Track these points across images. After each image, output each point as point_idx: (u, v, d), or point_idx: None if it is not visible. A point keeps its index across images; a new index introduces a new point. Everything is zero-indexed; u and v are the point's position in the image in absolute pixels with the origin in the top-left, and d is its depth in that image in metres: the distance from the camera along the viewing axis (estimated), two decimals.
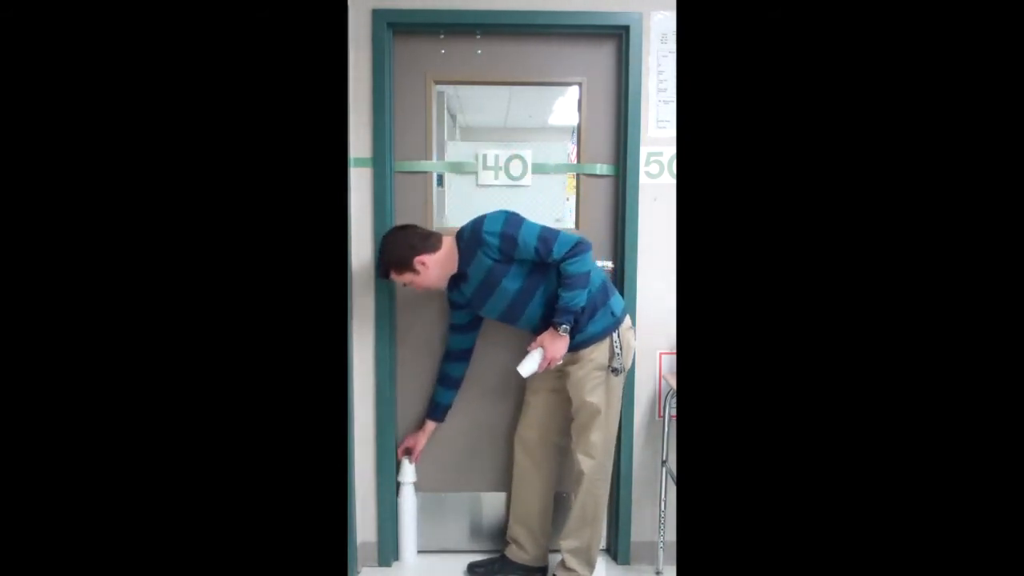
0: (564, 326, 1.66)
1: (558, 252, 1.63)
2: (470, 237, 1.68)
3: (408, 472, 2.00)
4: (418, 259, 1.69)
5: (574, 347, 1.73)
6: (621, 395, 1.81)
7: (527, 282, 1.69)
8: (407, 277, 1.72)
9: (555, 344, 1.68)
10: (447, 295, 1.86)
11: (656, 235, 1.94)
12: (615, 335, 1.73)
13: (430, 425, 1.98)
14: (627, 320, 1.79)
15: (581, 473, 1.78)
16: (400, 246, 1.70)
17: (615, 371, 1.73)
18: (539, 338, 1.70)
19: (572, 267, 1.64)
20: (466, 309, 1.85)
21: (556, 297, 1.67)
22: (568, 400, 1.83)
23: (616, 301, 1.77)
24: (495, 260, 1.66)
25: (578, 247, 1.64)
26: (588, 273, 1.66)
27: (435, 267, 1.72)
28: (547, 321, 1.71)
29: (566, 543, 1.83)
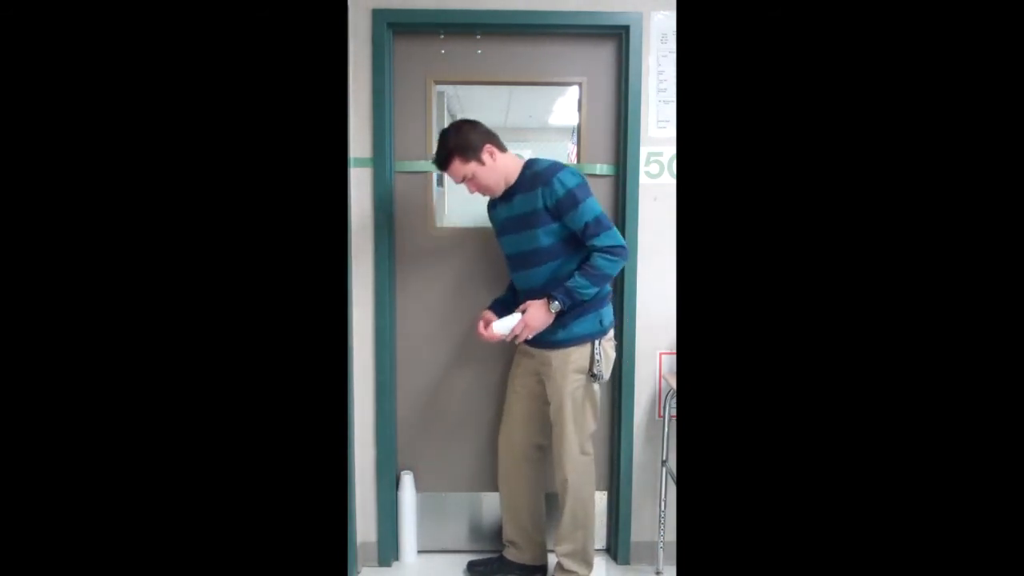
0: (556, 303, 1.63)
1: (601, 241, 1.62)
2: (541, 172, 1.65)
3: (407, 480, 1.97)
4: (488, 147, 1.65)
5: (555, 344, 1.72)
6: (598, 399, 1.80)
7: (556, 246, 1.67)
8: (471, 168, 1.66)
9: (537, 314, 1.65)
10: (488, 210, 1.84)
11: (656, 235, 1.95)
12: (597, 343, 1.71)
13: (488, 314, 1.82)
14: (611, 333, 1.78)
15: (565, 480, 1.77)
16: (470, 132, 1.65)
17: (594, 377, 1.72)
18: (526, 303, 1.68)
19: (603, 263, 1.63)
20: (506, 231, 1.77)
21: (564, 276, 1.66)
22: (548, 403, 1.83)
23: (607, 312, 1.75)
24: (545, 207, 1.64)
25: (619, 250, 1.64)
26: (612, 278, 1.67)
27: (500, 165, 1.67)
28: (540, 292, 1.69)
29: (561, 548, 1.83)
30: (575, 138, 2.00)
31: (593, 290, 1.65)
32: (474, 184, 1.69)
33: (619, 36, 1.93)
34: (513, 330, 1.67)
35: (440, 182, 2.02)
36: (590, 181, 1.97)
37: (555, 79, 1.97)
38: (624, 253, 1.65)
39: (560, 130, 2.06)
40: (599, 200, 1.96)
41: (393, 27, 1.90)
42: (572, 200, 1.62)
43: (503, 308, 1.81)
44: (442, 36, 1.94)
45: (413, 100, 1.96)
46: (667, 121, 1.92)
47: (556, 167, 1.66)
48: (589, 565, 1.84)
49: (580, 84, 1.97)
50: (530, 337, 1.69)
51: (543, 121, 2.08)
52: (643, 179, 1.94)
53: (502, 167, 1.68)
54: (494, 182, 1.69)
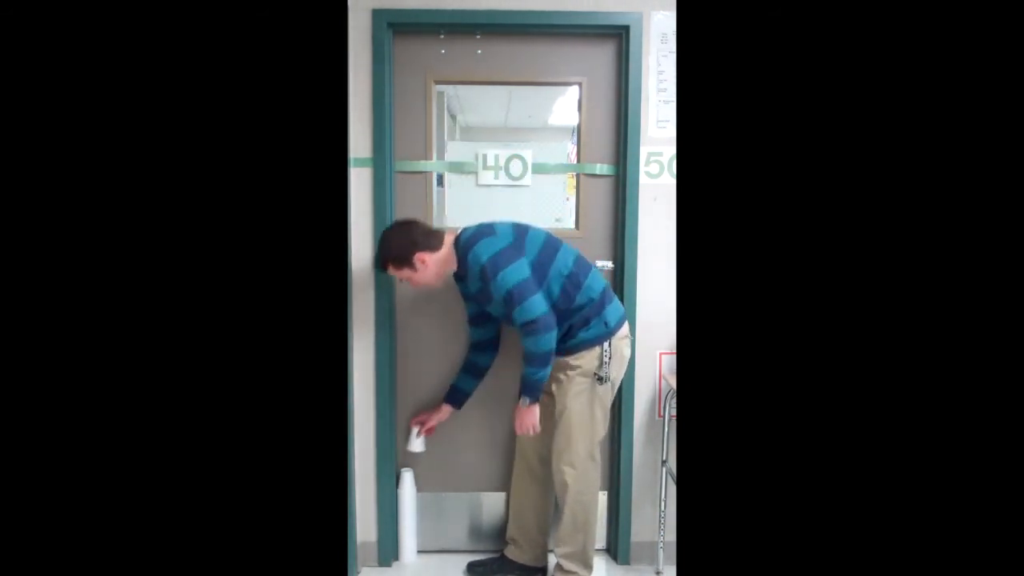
0: (526, 399, 1.69)
1: (518, 317, 1.61)
2: (463, 249, 1.67)
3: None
4: (418, 256, 1.67)
5: (563, 351, 1.72)
6: (609, 404, 1.79)
7: None
8: (405, 273, 1.70)
9: (523, 417, 1.73)
10: (457, 284, 1.85)
11: (656, 235, 1.94)
12: (606, 344, 1.71)
13: (446, 408, 1.95)
14: (623, 329, 1.76)
15: (565, 484, 1.77)
16: (401, 241, 1.68)
17: (600, 379, 1.72)
18: (515, 410, 1.76)
19: (528, 344, 1.62)
20: (473, 302, 1.83)
21: (564, 298, 1.66)
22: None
23: (612, 310, 1.73)
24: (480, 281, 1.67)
25: (535, 324, 1.59)
26: (548, 353, 1.63)
27: (434, 266, 1.70)
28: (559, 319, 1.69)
29: (560, 549, 1.83)
30: (575, 138, 2.00)
31: (542, 370, 1.64)
32: (412, 284, 1.74)
33: (619, 36, 1.93)
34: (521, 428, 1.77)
35: (440, 182, 2.02)
36: (589, 181, 1.99)
37: (555, 79, 1.97)
38: (537, 326, 1.59)
39: (560, 130, 2.06)
40: (596, 200, 1.99)
41: (393, 27, 1.90)
42: (486, 277, 1.62)
43: (461, 396, 1.93)
44: (442, 36, 1.94)
45: (413, 100, 1.96)
46: (667, 121, 1.92)
47: (471, 242, 1.64)
48: (589, 567, 1.84)
49: (580, 84, 1.97)
50: (533, 433, 1.75)
51: (543, 121, 2.08)
52: (643, 179, 1.93)
53: (436, 266, 1.70)
54: (430, 281, 1.73)
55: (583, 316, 1.69)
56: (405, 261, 1.68)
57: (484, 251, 1.62)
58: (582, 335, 1.70)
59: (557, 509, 1.97)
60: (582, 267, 1.70)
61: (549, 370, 1.66)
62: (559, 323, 1.67)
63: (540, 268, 1.65)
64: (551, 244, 1.69)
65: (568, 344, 1.71)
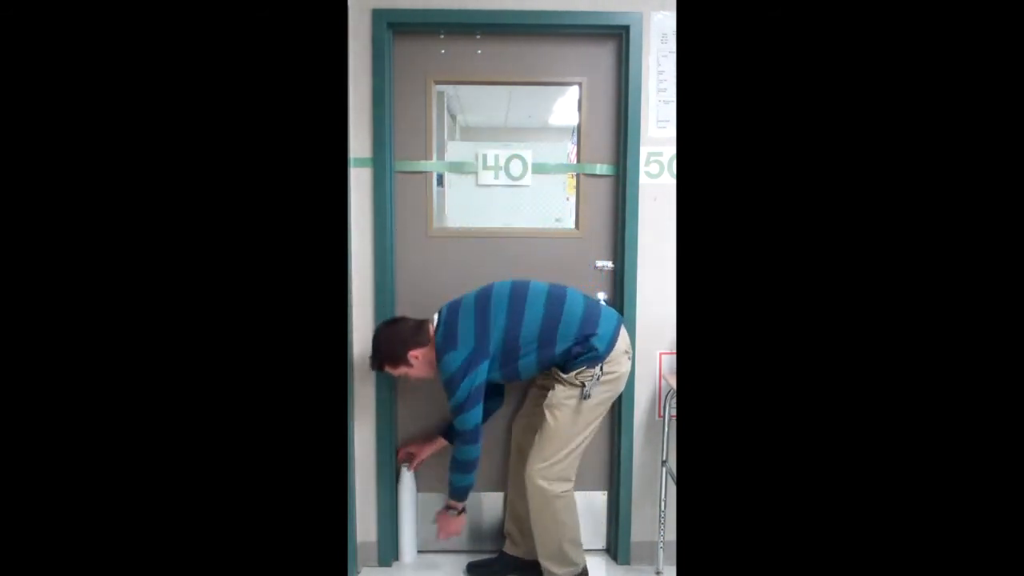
0: (452, 511, 1.81)
1: (456, 425, 1.72)
2: (437, 352, 1.72)
3: (407, 479, 2.00)
4: (411, 354, 1.74)
5: (563, 368, 1.74)
6: (594, 419, 1.77)
7: (503, 371, 1.74)
8: (401, 370, 1.78)
9: (447, 524, 1.83)
10: None
11: (656, 235, 1.95)
12: (597, 368, 1.70)
13: (440, 441, 1.98)
14: (619, 345, 1.74)
15: (527, 490, 1.78)
16: (393, 341, 1.75)
17: (584, 396, 1.71)
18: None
19: (456, 452, 1.75)
20: None
21: (543, 358, 1.71)
22: None
23: (600, 338, 1.70)
24: None
25: (465, 436, 1.71)
26: (473, 462, 1.74)
27: (425, 358, 1.76)
28: (545, 369, 1.76)
29: (539, 551, 1.84)
30: (575, 138, 2.00)
31: (466, 477, 1.76)
32: (410, 378, 1.82)
33: (619, 36, 1.93)
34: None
35: (440, 182, 2.02)
36: (589, 181, 1.99)
37: (555, 79, 1.97)
38: (466, 437, 1.71)
39: (560, 130, 2.06)
40: (596, 200, 2.00)
41: (393, 27, 1.90)
42: (449, 390, 1.71)
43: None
44: (442, 36, 1.94)
45: (413, 100, 1.96)
46: (667, 121, 1.92)
47: (440, 352, 1.71)
48: (568, 563, 1.83)
49: (580, 84, 1.97)
50: (457, 534, 1.86)
51: (543, 121, 2.08)
52: (643, 179, 1.94)
53: (426, 359, 1.77)
54: (425, 373, 1.80)
55: (572, 354, 1.70)
56: (401, 360, 1.75)
57: (447, 366, 1.70)
58: (575, 363, 1.71)
59: None
60: (551, 318, 1.70)
61: (473, 477, 1.77)
62: (550, 366, 1.75)
63: (509, 343, 1.70)
64: (514, 313, 1.70)
65: (564, 367, 1.73)
